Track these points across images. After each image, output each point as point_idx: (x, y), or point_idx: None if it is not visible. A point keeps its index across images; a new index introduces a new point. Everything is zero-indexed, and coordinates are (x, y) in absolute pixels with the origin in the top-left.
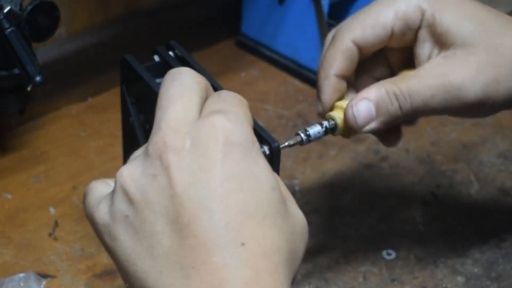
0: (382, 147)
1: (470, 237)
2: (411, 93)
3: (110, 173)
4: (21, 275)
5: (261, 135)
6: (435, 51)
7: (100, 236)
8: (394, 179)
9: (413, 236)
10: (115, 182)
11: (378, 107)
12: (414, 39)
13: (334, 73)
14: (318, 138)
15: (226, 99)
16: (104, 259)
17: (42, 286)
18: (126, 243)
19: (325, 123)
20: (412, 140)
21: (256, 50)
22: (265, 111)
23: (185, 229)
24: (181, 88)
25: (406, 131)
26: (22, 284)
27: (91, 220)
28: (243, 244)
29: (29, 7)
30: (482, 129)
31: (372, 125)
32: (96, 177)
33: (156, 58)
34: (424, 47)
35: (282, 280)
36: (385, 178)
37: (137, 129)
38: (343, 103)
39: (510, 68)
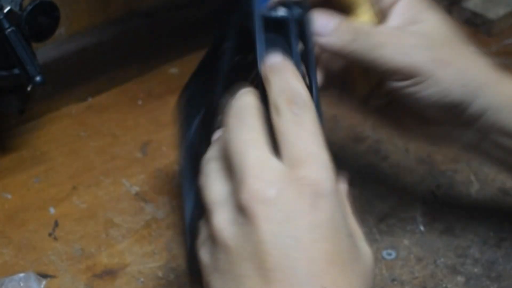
0: (382, 147)
1: (470, 237)
2: (367, 34)
3: (110, 173)
4: (21, 275)
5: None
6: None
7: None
8: (394, 179)
9: (413, 236)
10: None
11: (336, 28)
12: None
13: None
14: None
15: (298, 135)
16: (104, 259)
17: (42, 286)
18: (216, 282)
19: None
20: (412, 140)
21: None
22: None
23: (269, 274)
24: (247, 131)
25: None
26: (22, 284)
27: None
28: None
29: (29, 7)
30: None
31: (322, 39)
32: (96, 177)
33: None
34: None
35: None
36: (385, 178)
37: (223, 75)
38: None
39: (457, 68)
